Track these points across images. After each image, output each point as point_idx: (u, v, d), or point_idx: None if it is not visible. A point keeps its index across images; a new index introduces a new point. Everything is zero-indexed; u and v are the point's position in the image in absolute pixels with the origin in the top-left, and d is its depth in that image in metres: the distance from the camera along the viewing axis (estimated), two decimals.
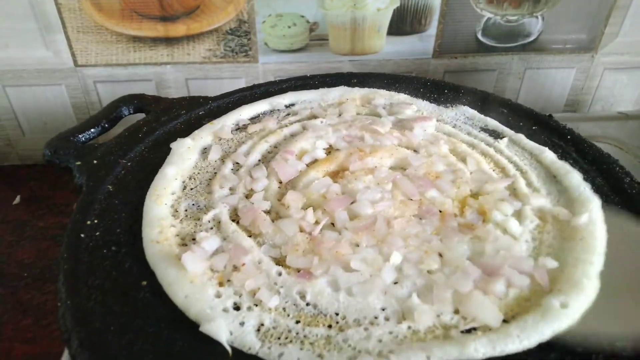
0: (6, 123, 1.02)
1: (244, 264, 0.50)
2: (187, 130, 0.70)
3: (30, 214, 0.94)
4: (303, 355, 0.43)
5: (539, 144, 0.67)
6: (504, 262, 0.49)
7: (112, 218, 0.56)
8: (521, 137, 0.69)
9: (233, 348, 0.44)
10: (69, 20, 0.93)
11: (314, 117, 0.74)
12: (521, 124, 0.72)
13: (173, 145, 0.65)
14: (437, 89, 0.80)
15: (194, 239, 0.54)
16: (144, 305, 0.47)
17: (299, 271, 0.50)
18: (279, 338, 0.45)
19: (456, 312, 0.47)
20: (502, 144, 0.68)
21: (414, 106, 0.75)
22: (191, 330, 0.45)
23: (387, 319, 0.46)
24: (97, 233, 0.54)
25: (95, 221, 0.56)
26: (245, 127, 0.72)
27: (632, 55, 1.07)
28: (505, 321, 0.46)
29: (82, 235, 0.54)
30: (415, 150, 0.67)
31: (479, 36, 1.02)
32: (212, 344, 0.44)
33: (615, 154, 0.66)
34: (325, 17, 0.97)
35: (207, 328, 0.44)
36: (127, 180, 0.62)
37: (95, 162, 0.63)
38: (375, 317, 0.46)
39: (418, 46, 1.03)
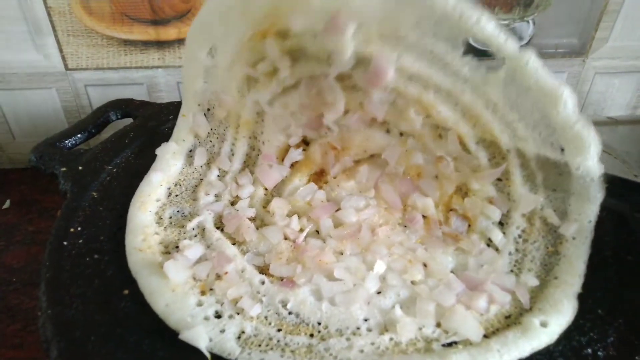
0: None
1: (226, 273, 0.50)
2: None
3: (20, 218, 0.94)
4: None
5: None
6: (487, 277, 0.50)
7: (95, 225, 0.56)
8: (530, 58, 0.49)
9: (212, 354, 0.44)
10: (59, 24, 0.92)
11: None
12: None
13: (158, 150, 0.65)
14: None
15: (177, 247, 0.54)
16: (125, 314, 0.47)
17: (282, 280, 0.50)
18: (259, 345, 0.45)
19: (438, 325, 0.47)
20: (498, 79, 0.51)
21: None
22: (172, 340, 0.45)
23: (369, 329, 0.47)
24: (80, 241, 0.54)
25: (79, 228, 0.56)
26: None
27: (622, 60, 1.07)
28: (485, 336, 0.46)
29: (65, 243, 0.54)
30: (387, 131, 0.60)
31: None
32: (194, 353, 0.44)
33: (603, 160, 0.66)
34: None
35: (186, 335, 0.45)
36: (112, 187, 0.62)
37: (80, 168, 0.63)
38: (358, 328, 0.47)
39: None
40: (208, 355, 0.44)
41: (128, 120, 0.74)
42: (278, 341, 0.45)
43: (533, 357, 0.44)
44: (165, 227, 0.57)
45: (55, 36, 0.93)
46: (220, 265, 0.51)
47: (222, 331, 0.46)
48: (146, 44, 0.96)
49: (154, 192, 0.60)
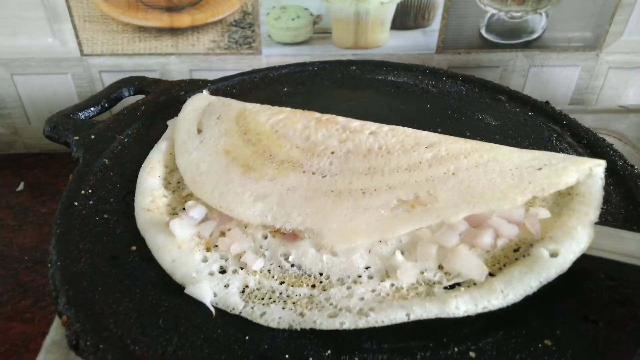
0: (13, 111, 1.03)
1: (230, 229, 0.51)
2: None
3: (33, 200, 0.95)
4: (285, 314, 0.43)
5: (534, 129, 0.67)
6: (492, 212, 0.48)
7: (106, 189, 0.57)
8: None
9: (217, 309, 0.45)
10: (76, 10, 0.94)
11: None
12: (517, 109, 0.72)
13: (169, 122, 0.66)
14: (435, 77, 0.80)
15: (183, 208, 0.54)
16: (132, 268, 0.48)
17: (284, 234, 0.51)
18: (262, 298, 0.45)
19: (440, 267, 0.47)
20: None
21: None
22: (177, 293, 0.46)
23: (370, 277, 0.47)
24: (91, 202, 0.55)
25: (90, 191, 0.57)
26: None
27: (637, 55, 1.06)
28: (492, 274, 0.45)
29: (76, 204, 0.55)
30: None
31: (483, 32, 1.02)
32: (198, 305, 0.45)
33: (615, 145, 0.66)
34: (329, 10, 0.98)
35: (191, 290, 0.45)
36: (122, 155, 0.63)
37: (92, 137, 0.64)
38: (359, 276, 0.47)
39: (421, 41, 1.03)
40: (212, 310, 0.45)
41: (140, 97, 0.75)
42: (280, 294, 0.46)
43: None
44: (173, 191, 0.58)
45: (72, 22, 0.95)
46: (223, 222, 0.51)
47: (227, 286, 0.46)
48: (160, 31, 0.98)
49: (163, 159, 0.61)
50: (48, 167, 1.04)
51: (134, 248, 0.50)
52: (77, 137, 0.64)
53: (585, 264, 0.46)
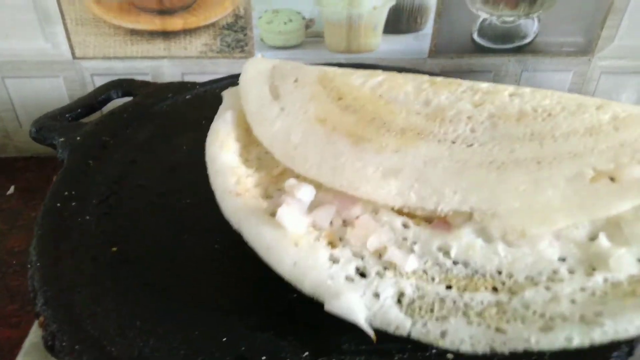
0: (4, 115, 1.03)
1: (357, 217, 0.41)
2: (173, 112, 0.71)
3: (23, 204, 0.95)
4: (475, 332, 0.34)
5: None
6: None
7: (89, 190, 0.57)
8: None
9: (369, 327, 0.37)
10: (68, 12, 0.94)
11: None
12: None
13: (225, 93, 0.59)
14: None
15: (279, 190, 0.44)
16: (113, 269, 0.48)
17: (429, 221, 0.40)
18: (431, 311, 0.36)
19: None
20: None
21: None
22: (158, 294, 0.45)
23: (571, 271, 0.37)
24: (73, 203, 0.55)
25: (73, 192, 0.56)
26: None
27: (629, 60, 1.07)
28: None
29: (59, 205, 0.54)
30: None
31: (475, 37, 1.03)
32: (177, 307, 0.44)
33: None
34: (321, 14, 0.98)
35: (334, 305, 0.35)
36: (108, 157, 0.62)
37: (78, 138, 0.64)
38: (555, 272, 0.37)
39: (414, 45, 1.03)
40: (371, 333, 0.35)
41: (129, 99, 0.75)
42: (454, 302, 0.36)
43: None
44: (256, 169, 0.48)
45: (64, 25, 0.95)
46: (344, 207, 0.41)
47: (376, 295, 0.36)
48: (152, 34, 0.98)
49: (233, 132, 0.51)
50: (39, 171, 1.04)
51: (114, 249, 0.49)
52: (62, 139, 0.64)
53: None
